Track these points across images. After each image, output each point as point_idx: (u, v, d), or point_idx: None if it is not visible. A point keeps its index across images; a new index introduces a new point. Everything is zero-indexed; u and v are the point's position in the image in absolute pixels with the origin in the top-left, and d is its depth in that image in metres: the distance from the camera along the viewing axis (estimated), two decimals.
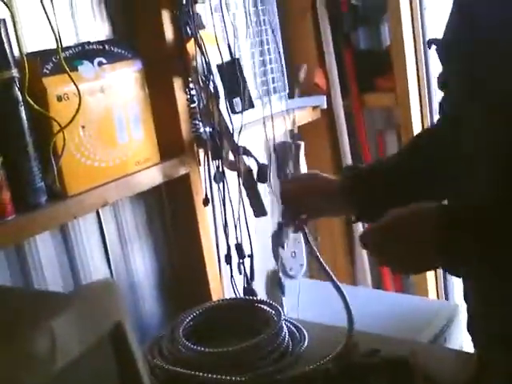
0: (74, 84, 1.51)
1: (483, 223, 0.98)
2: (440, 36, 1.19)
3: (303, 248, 2.13)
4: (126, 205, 1.80)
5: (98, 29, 1.72)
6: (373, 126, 2.45)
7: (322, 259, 1.45)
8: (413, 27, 2.31)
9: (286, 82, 2.25)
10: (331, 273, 1.43)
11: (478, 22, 1.04)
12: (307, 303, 2.05)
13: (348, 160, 2.39)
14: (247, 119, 1.97)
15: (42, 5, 1.43)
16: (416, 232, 1.03)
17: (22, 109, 1.45)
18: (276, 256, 2.10)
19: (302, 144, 2.14)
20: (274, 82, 2.18)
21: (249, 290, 1.86)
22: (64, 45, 1.59)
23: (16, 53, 1.48)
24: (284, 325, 1.57)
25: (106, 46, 1.66)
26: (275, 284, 2.06)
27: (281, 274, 2.07)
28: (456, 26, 1.12)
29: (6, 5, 1.42)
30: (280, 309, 1.58)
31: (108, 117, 1.64)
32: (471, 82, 1.05)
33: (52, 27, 1.44)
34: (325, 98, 2.31)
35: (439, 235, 0.99)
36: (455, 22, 1.12)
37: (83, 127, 1.58)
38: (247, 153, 1.82)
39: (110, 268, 1.76)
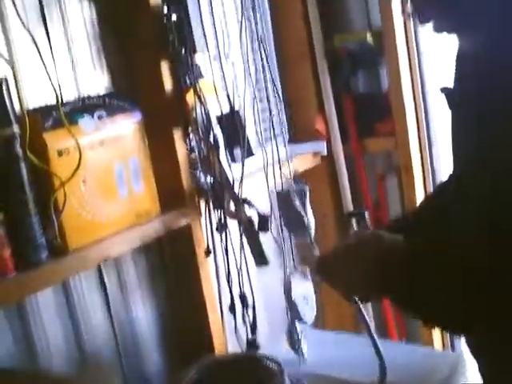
0: (74, 139, 1.50)
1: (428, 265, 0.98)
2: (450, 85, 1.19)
3: (313, 294, 2.12)
4: (127, 258, 1.78)
5: (98, 81, 1.73)
6: (373, 170, 2.45)
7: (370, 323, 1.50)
8: (410, 71, 2.33)
9: (287, 128, 2.26)
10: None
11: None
12: (312, 354, 2.02)
13: (349, 205, 2.38)
14: (248, 167, 1.97)
15: (43, 62, 1.43)
16: (364, 260, 1.06)
17: (23, 164, 1.45)
18: (288, 302, 2.09)
19: (307, 188, 2.12)
20: (274, 129, 2.17)
21: (252, 343, 1.83)
22: (65, 97, 1.61)
23: (17, 107, 1.48)
24: (287, 378, 1.54)
25: (106, 100, 1.66)
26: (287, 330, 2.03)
27: (290, 321, 2.04)
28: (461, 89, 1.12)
29: (9, 63, 1.42)
30: (282, 364, 1.56)
31: (108, 170, 1.63)
32: (475, 141, 1.04)
33: (52, 84, 1.45)
34: (325, 143, 2.31)
35: (386, 268, 1.01)
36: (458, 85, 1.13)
37: (84, 181, 1.57)
38: (248, 203, 1.81)
39: (112, 322, 1.73)
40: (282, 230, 2.11)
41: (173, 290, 1.90)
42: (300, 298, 2.00)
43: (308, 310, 2.02)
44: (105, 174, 1.62)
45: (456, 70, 1.15)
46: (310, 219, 2.12)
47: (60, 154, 1.52)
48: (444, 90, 1.17)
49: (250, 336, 1.87)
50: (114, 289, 1.74)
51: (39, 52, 1.43)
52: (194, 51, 1.72)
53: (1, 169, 1.43)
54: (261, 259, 1.89)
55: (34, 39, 1.43)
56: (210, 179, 1.82)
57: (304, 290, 2.02)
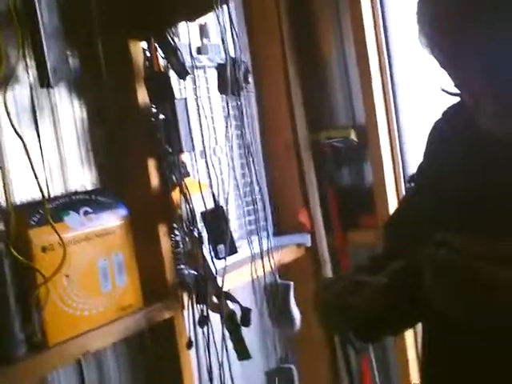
0: (59, 236, 1.54)
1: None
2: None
3: None
4: (108, 351, 1.79)
5: (85, 177, 1.78)
6: (357, 261, 2.47)
7: None
8: (393, 166, 2.38)
9: (271, 220, 2.31)
10: None
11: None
12: None
13: None
14: (233, 259, 2.00)
15: (31, 165, 1.48)
16: None
17: (6, 261, 1.48)
18: None
19: (291, 284, 2.16)
20: (259, 222, 2.21)
21: None
22: (52, 192, 1.65)
23: (3, 202, 1.52)
24: None
25: (93, 196, 1.71)
26: None
27: None
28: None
29: None
30: None
31: (92, 265, 1.66)
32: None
33: (39, 184, 1.49)
34: (309, 236, 2.35)
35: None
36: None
37: (67, 276, 1.60)
38: (230, 298, 1.84)
39: None
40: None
41: (154, 383, 1.90)
42: None
43: None
44: (88, 268, 1.66)
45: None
46: (295, 312, 2.15)
47: (44, 250, 1.55)
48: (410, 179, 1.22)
49: None
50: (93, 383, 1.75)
51: (28, 155, 1.48)
52: (181, 151, 1.78)
53: None
54: (242, 353, 1.91)
55: (23, 142, 1.48)
56: (193, 273, 1.85)
57: None
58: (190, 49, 1.88)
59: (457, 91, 1.05)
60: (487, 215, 1.02)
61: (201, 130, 1.88)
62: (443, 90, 1.08)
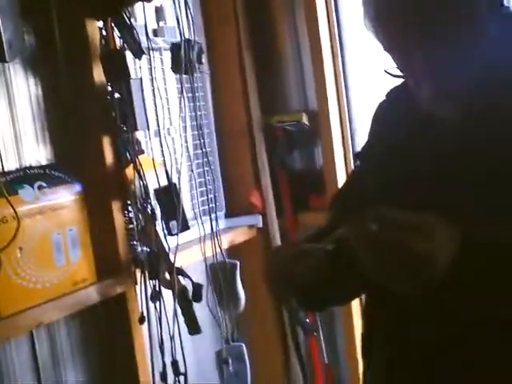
0: (13, 209, 1.56)
1: None
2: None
3: (247, 368, 2.18)
4: (60, 324, 1.82)
5: (40, 152, 1.79)
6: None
7: None
8: (344, 150, 2.45)
9: (223, 201, 2.35)
10: None
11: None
12: None
13: None
14: (185, 238, 2.05)
15: None
16: None
17: None
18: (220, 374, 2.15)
19: (238, 263, 2.21)
20: (211, 202, 2.26)
21: None
22: (7, 167, 1.67)
23: None
24: None
25: (47, 170, 1.73)
26: None
27: None
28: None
29: None
30: None
31: (46, 239, 1.69)
32: None
33: None
34: (260, 217, 2.40)
35: None
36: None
37: (20, 249, 1.62)
38: (182, 273, 1.88)
39: None
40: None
41: (106, 358, 1.93)
42: (231, 371, 2.06)
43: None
44: (42, 242, 1.68)
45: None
46: (240, 293, 2.21)
47: None
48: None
49: None
50: (44, 356, 1.76)
51: None
52: (135, 129, 1.81)
53: None
54: (193, 327, 1.95)
55: None
56: (146, 249, 1.89)
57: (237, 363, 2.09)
58: (146, 30, 1.91)
59: (400, 73, 1.11)
60: (428, 196, 1.05)
61: (155, 110, 1.91)
62: (386, 72, 1.13)
